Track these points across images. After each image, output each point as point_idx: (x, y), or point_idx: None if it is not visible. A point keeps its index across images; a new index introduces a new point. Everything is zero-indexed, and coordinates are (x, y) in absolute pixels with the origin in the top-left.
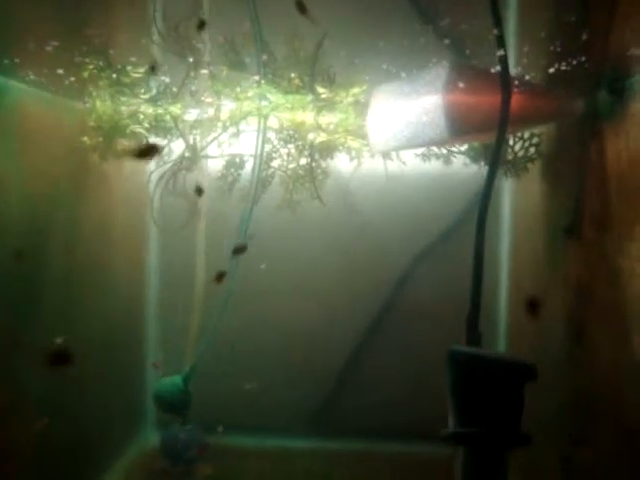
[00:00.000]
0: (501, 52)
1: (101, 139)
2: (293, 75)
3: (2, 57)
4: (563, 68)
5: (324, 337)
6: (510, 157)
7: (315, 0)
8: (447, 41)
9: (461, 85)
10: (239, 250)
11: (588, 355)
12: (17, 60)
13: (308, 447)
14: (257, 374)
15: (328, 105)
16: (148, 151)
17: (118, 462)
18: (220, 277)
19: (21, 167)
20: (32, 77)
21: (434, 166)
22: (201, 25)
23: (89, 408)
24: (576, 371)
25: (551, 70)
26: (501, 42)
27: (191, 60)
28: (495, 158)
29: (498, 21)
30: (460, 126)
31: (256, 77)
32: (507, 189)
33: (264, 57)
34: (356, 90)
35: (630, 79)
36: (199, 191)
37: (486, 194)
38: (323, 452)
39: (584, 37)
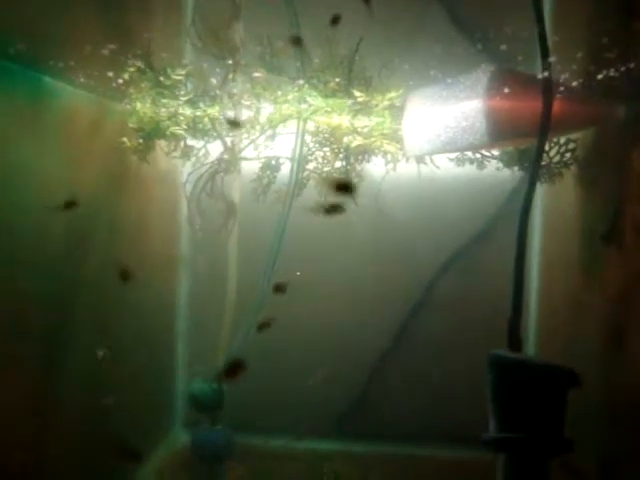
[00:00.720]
0: (545, 58)
1: (141, 140)
2: (330, 79)
3: (51, 60)
4: (604, 74)
5: (354, 339)
6: (545, 162)
7: (351, 4)
8: (481, 46)
9: (502, 90)
10: (280, 289)
11: (628, 361)
12: (64, 63)
13: (337, 449)
14: (287, 376)
15: (364, 109)
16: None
17: (149, 462)
18: (280, 289)
19: (68, 166)
20: (78, 79)
21: (466, 170)
22: (296, 41)
23: (121, 406)
24: (615, 377)
25: (592, 76)
26: (544, 48)
27: (230, 62)
28: (536, 164)
29: (542, 26)
30: (501, 131)
31: (297, 81)
32: (539, 194)
33: (302, 60)
34: (392, 94)
35: None
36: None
37: (528, 200)
38: (352, 455)
39: (627, 42)
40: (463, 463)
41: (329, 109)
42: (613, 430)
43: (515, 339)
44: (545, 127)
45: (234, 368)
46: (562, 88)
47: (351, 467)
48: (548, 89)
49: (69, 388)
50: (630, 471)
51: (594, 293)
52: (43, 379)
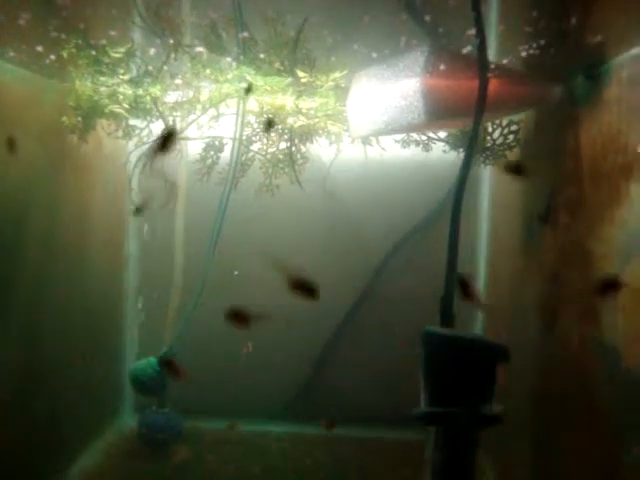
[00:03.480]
0: (479, 37)
1: (80, 119)
2: (274, 58)
3: None
4: (543, 55)
5: (301, 322)
6: (489, 144)
7: None
8: (426, 26)
9: (439, 69)
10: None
11: (560, 336)
12: None
13: (283, 431)
14: (234, 359)
15: (308, 89)
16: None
17: (95, 443)
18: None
19: None
20: (10, 54)
21: (415, 153)
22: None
23: (66, 390)
24: (548, 351)
25: (531, 56)
26: (479, 27)
27: (171, 41)
28: (472, 142)
29: (476, 6)
30: (438, 110)
31: (235, 59)
32: (486, 177)
33: (245, 36)
34: (336, 74)
35: (605, 65)
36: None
37: (462, 180)
38: (298, 436)
39: (563, 25)
40: (409, 444)
41: (268, 88)
42: (547, 397)
43: (447, 316)
44: (481, 106)
45: (170, 367)
46: (500, 68)
47: (295, 448)
48: (484, 69)
49: (6, 367)
50: (560, 432)
51: (532, 272)
52: None
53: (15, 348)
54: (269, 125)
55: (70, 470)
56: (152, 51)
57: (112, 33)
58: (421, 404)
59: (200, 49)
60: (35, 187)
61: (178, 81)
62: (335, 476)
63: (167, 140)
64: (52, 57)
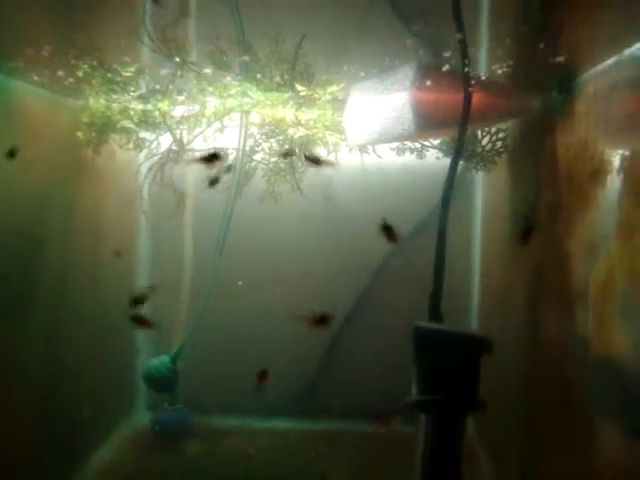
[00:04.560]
0: (462, 52)
1: (94, 134)
2: (274, 74)
3: (3, 58)
4: (524, 69)
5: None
6: (479, 151)
7: (296, 3)
8: (420, 42)
9: (427, 83)
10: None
11: (541, 332)
12: (17, 60)
13: (291, 427)
14: (242, 357)
15: (307, 102)
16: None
17: (111, 439)
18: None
19: (20, 161)
20: (31, 76)
21: (410, 159)
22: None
23: (82, 389)
24: (531, 346)
25: (514, 70)
26: (463, 46)
27: (178, 60)
28: (457, 151)
29: (460, 26)
30: (426, 121)
31: (240, 76)
32: (479, 182)
33: (247, 57)
34: (334, 88)
35: (577, 79)
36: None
37: (448, 185)
38: (306, 432)
39: (541, 41)
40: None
41: (269, 102)
42: (532, 387)
43: (436, 312)
44: (465, 118)
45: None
46: (483, 82)
47: (303, 443)
48: (468, 83)
49: (27, 366)
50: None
51: (521, 271)
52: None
53: (37, 349)
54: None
55: (88, 463)
56: (159, 69)
57: (122, 53)
58: (412, 393)
59: (205, 68)
60: (53, 198)
61: (184, 97)
62: (340, 469)
63: (212, 158)
64: (68, 77)
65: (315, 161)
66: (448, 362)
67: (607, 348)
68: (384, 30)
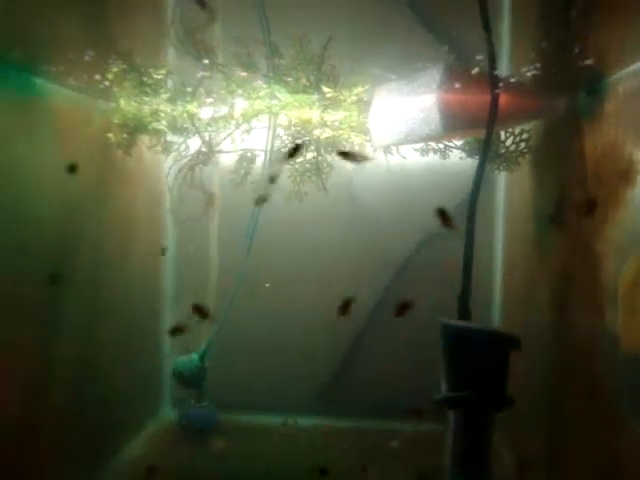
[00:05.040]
0: (490, 55)
1: (125, 135)
2: (300, 75)
3: (39, 62)
4: (551, 68)
5: (329, 319)
6: (502, 151)
7: (321, 5)
8: (445, 45)
9: (454, 85)
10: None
11: (567, 330)
12: (52, 64)
13: (315, 424)
14: (268, 355)
15: (333, 103)
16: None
17: (139, 434)
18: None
19: (57, 162)
20: (66, 80)
21: (433, 159)
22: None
23: (112, 388)
24: (560, 342)
25: (539, 72)
26: (490, 46)
27: (206, 62)
28: (484, 152)
29: (487, 26)
30: (453, 122)
31: (268, 78)
32: (501, 182)
33: (276, 59)
34: (359, 89)
35: (605, 81)
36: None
37: (476, 185)
38: (332, 430)
39: (568, 42)
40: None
41: (297, 104)
42: (559, 385)
43: (464, 310)
44: (492, 119)
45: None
46: (509, 83)
47: (327, 440)
48: (495, 84)
49: (62, 366)
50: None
51: (544, 269)
52: (38, 357)
53: (70, 350)
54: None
55: (118, 457)
56: (188, 71)
57: (151, 56)
58: (442, 390)
59: (234, 70)
60: (87, 200)
61: (213, 99)
62: (365, 466)
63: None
64: (99, 80)
65: (348, 156)
66: (477, 359)
67: (636, 345)
68: (406, 33)
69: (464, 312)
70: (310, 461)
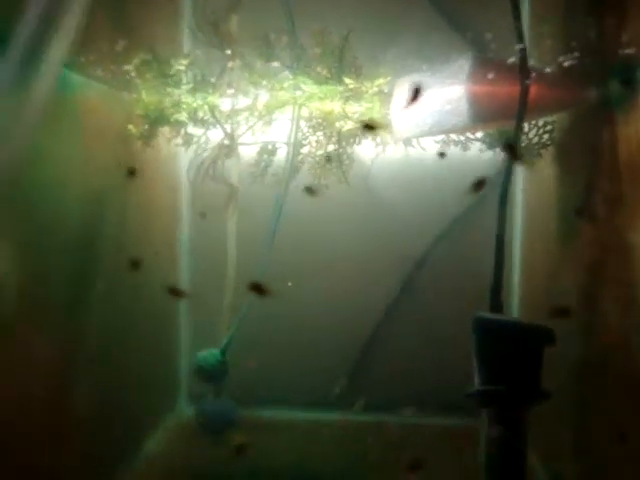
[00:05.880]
0: (520, 45)
1: (147, 127)
2: (322, 67)
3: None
4: (578, 59)
5: (349, 313)
6: (525, 143)
7: None
8: (467, 35)
9: (482, 76)
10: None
11: (598, 323)
12: (77, 56)
13: (335, 419)
14: (287, 349)
15: (355, 95)
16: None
17: (157, 431)
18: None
19: (83, 154)
20: (91, 71)
21: (453, 151)
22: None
23: (132, 382)
24: (586, 337)
25: (566, 61)
26: (520, 35)
27: (228, 52)
28: (515, 144)
29: (517, 15)
30: (481, 114)
31: (292, 69)
32: (520, 173)
33: (301, 49)
34: (381, 81)
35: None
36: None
37: (507, 178)
38: (350, 424)
39: (597, 29)
40: (458, 430)
41: (322, 95)
42: (586, 380)
43: (496, 303)
44: (522, 110)
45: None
46: (538, 73)
47: (348, 435)
48: (524, 75)
49: (81, 362)
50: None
51: (570, 263)
52: (60, 354)
53: (92, 341)
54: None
55: (138, 453)
56: (209, 62)
57: (171, 46)
58: (475, 384)
59: (256, 60)
60: (109, 192)
61: (235, 90)
62: (386, 461)
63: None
64: (121, 70)
65: (371, 127)
66: (511, 353)
67: None
68: (427, 24)
69: (495, 304)
70: (333, 456)
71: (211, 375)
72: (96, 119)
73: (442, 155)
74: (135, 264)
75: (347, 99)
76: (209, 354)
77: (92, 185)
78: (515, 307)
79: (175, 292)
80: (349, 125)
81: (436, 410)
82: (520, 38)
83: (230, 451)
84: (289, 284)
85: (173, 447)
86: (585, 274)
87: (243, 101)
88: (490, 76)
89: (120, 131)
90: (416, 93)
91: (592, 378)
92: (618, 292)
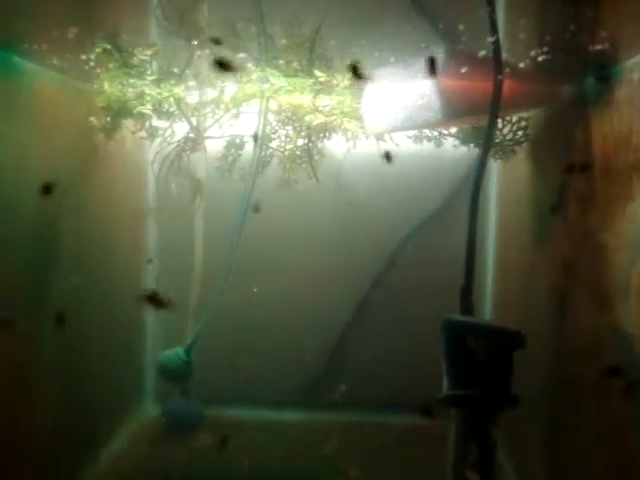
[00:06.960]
0: (493, 38)
1: (109, 119)
2: (293, 59)
3: (19, 41)
4: (553, 54)
5: (317, 311)
6: (498, 140)
7: None
8: (440, 27)
9: (455, 70)
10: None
11: (571, 323)
12: (32, 44)
13: (301, 419)
14: (252, 349)
15: (325, 88)
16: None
17: (122, 430)
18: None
19: (37, 145)
20: (46, 60)
21: (425, 147)
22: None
23: (96, 380)
24: (559, 337)
25: (541, 55)
26: (494, 29)
27: (195, 43)
28: (487, 140)
29: (492, 9)
30: (454, 109)
31: (260, 61)
32: (494, 170)
33: (269, 40)
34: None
35: (616, 67)
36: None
37: (478, 175)
38: (317, 423)
39: (573, 25)
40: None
41: (290, 88)
42: (559, 380)
43: (467, 305)
44: (495, 105)
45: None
46: (512, 68)
47: (313, 435)
48: (498, 69)
49: (43, 361)
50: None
51: (543, 260)
52: (20, 354)
53: (55, 340)
54: None
55: (100, 453)
56: (174, 53)
57: (136, 36)
58: (443, 388)
59: (223, 51)
60: (69, 186)
61: (200, 81)
62: (353, 462)
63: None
64: (81, 60)
65: (358, 75)
66: (480, 356)
67: None
68: (402, 16)
69: (466, 306)
70: (299, 457)
71: (175, 375)
72: (52, 110)
73: (388, 157)
74: (98, 261)
75: (317, 92)
76: (173, 353)
77: (48, 177)
78: (489, 305)
79: (156, 301)
80: (319, 119)
81: (405, 410)
82: (494, 31)
83: (195, 451)
84: (254, 290)
85: (138, 447)
86: (559, 274)
87: (210, 93)
88: (462, 70)
89: (80, 123)
90: (432, 64)
91: (564, 378)
92: (593, 293)
